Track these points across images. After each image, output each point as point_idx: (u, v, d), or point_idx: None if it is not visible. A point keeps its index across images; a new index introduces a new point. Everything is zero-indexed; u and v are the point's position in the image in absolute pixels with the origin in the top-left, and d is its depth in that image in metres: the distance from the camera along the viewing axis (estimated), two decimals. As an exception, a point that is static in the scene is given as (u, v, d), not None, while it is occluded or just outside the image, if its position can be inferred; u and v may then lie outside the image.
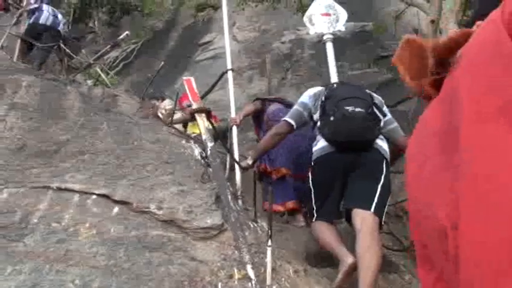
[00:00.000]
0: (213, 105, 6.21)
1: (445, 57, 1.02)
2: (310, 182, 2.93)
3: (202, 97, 4.35)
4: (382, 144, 2.87)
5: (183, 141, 3.34)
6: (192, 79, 4.14)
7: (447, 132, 0.93)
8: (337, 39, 4.50)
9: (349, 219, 2.73)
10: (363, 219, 2.59)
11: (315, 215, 2.84)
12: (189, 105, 4.44)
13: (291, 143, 3.95)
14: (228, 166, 3.98)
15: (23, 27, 7.41)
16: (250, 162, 3.27)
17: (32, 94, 3.16)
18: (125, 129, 3.19)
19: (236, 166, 3.64)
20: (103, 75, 7.69)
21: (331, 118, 2.81)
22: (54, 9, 7.53)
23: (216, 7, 12.39)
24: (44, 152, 2.80)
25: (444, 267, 0.93)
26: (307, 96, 3.19)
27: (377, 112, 2.89)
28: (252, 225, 2.86)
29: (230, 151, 3.85)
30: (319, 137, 2.93)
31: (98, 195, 2.62)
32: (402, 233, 3.93)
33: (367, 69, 9.18)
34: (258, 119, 4.59)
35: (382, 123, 2.93)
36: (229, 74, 4.31)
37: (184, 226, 2.58)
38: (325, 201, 2.84)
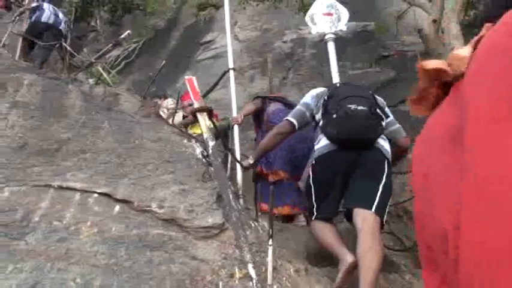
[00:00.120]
0: (215, 104, 6.21)
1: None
2: (311, 180, 2.92)
3: (203, 96, 4.35)
4: (383, 143, 2.86)
5: (185, 140, 3.33)
6: (194, 78, 4.14)
7: (454, 135, 0.93)
8: (338, 39, 4.49)
9: (350, 219, 2.72)
10: (364, 218, 2.58)
11: (315, 214, 2.84)
12: (191, 104, 4.44)
13: (289, 146, 3.97)
14: (229, 165, 3.99)
15: (25, 26, 7.41)
16: (251, 161, 3.27)
17: (34, 92, 3.16)
18: (126, 128, 3.19)
19: (237, 165, 3.64)
20: (105, 74, 7.70)
21: (334, 116, 2.80)
22: (55, 7, 7.53)
23: (218, 6, 12.40)
24: (46, 150, 2.80)
25: (446, 268, 0.93)
26: (310, 96, 3.19)
27: (379, 112, 2.89)
28: (253, 225, 2.86)
29: (231, 150, 3.86)
30: (321, 135, 2.92)
31: (99, 194, 2.62)
32: (403, 233, 3.92)
33: (368, 69, 9.17)
34: (258, 118, 4.60)
35: (384, 124, 2.93)
36: (231, 73, 4.31)
37: (185, 225, 2.58)
38: (325, 200, 2.83)
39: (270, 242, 2.39)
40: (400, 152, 3.11)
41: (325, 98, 2.97)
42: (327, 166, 2.84)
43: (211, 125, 3.70)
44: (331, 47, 4.29)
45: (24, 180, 2.57)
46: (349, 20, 4.50)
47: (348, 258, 2.49)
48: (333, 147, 2.82)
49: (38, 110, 3.04)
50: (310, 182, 2.91)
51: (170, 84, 9.42)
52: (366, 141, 2.81)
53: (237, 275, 2.38)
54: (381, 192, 2.69)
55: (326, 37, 4.34)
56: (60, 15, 7.45)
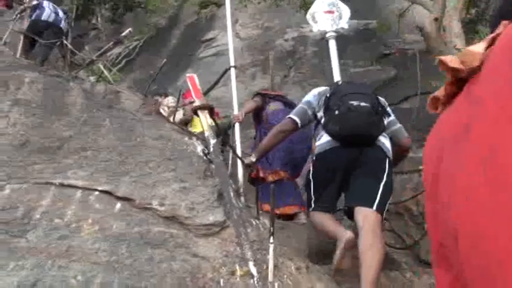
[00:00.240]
0: (216, 102, 6.21)
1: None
2: (311, 174, 2.94)
3: (204, 94, 4.35)
4: (385, 141, 2.87)
5: (186, 138, 3.33)
6: (195, 76, 4.14)
7: (466, 132, 0.92)
8: (340, 37, 4.49)
9: (351, 217, 2.73)
10: (365, 217, 2.59)
11: (313, 205, 2.88)
12: (192, 102, 4.44)
13: (287, 148, 4.00)
14: (230, 163, 3.99)
15: (26, 24, 7.42)
16: (253, 159, 3.27)
17: (35, 90, 3.16)
18: (127, 125, 3.19)
19: (238, 163, 3.65)
20: (106, 72, 7.71)
21: (336, 112, 2.80)
22: (55, 6, 7.54)
23: (219, 4, 12.37)
24: (47, 148, 2.81)
25: (458, 266, 0.92)
26: (312, 95, 3.19)
27: (381, 109, 2.89)
28: (254, 222, 2.86)
29: (233, 148, 3.86)
30: (322, 132, 2.92)
31: (101, 191, 2.62)
32: (404, 231, 3.93)
33: (370, 67, 9.16)
34: (257, 116, 4.61)
35: (386, 123, 2.93)
36: (232, 71, 4.32)
37: (187, 223, 2.59)
38: (323, 194, 2.87)
39: (271, 240, 2.39)
40: (401, 152, 3.11)
41: (327, 95, 2.98)
42: (328, 162, 2.85)
43: (213, 123, 3.70)
44: (332, 45, 4.29)
45: (26, 177, 2.57)
46: (351, 18, 4.51)
47: (345, 234, 2.54)
48: (334, 144, 2.82)
49: (40, 108, 3.04)
50: (310, 177, 2.94)
51: (171, 82, 9.41)
52: (368, 138, 2.81)
53: (238, 273, 2.38)
54: (382, 191, 2.70)
55: (327, 35, 4.34)
56: (60, 13, 7.46)
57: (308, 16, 4.51)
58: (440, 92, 1.11)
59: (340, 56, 4.43)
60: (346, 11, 4.43)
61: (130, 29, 8.49)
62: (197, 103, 3.89)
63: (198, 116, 3.83)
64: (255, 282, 2.33)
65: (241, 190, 3.45)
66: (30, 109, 3.00)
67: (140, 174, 2.81)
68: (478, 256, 0.83)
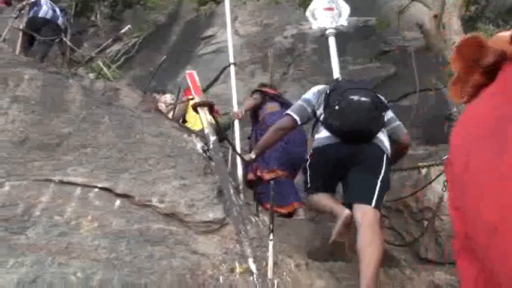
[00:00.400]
0: (215, 99, 6.20)
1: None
2: (307, 164, 2.98)
3: (204, 91, 4.35)
4: (383, 138, 2.87)
5: (185, 135, 3.33)
6: (195, 73, 4.13)
7: (499, 127, 0.90)
8: (339, 34, 4.49)
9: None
10: (364, 213, 2.60)
11: (310, 187, 2.96)
12: (190, 99, 4.44)
13: (283, 148, 4.02)
14: (229, 160, 4.00)
15: (24, 21, 7.41)
16: (253, 156, 3.27)
17: (34, 87, 3.15)
18: (127, 122, 3.19)
19: (238, 160, 3.64)
20: (105, 69, 7.69)
21: (336, 108, 2.80)
22: (52, 3, 7.53)
23: (219, 1, 12.34)
24: (46, 145, 2.80)
25: (486, 261, 0.91)
26: (312, 93, 3.19)
27: (381, 104, 2.90)
28: (253, 219, 2.87)
29: (232, 145, 3.86)
30: (321, 127, 2.93)
31: (100, 188, 2.62)
32: (403, 228, 3.94)
33: (369, 64, 9.15)
34: (254, 113, 4.62)
35: (385, 120, 2.93)
36: (232, 68, 4.31)
37: (186, 220, 2.59)
38: (318, 180, 2.94)
39: (271, 237, 2.39)
40: (400, 149, 3.11)
41: (327, 92, 2.98)
42: (326, 156, 2.87)
43: (212, 120, 3.70)
44: (332, 42, 4.29)
45: (25, 174, 2.57)
46: (350, 15, 4.50)
47: (343, 211, 2.59)
48: (334, 140, 2.82)
49: (39, 105, 3.04)
50: (307, 166, 2.97)
51: (171, 79, 9.40)
52: (367, 134, 2.81)
53: (238, 270, 2.38)
54: (380, 188, 2.71)
55: (327, 32, 4.34)
56: (57, 10, 7.45)
57: (308, 13, 4.51)
58: (460, 81, 1.08)
59: (340, 53, 4.43)
60: (345, 8, 4.43)
61: (129, 26, 8.49)
62: (197, 100, 3.88)
63: (197, 113, 3.83)
64: (255, 279, 2.34)
65: (241, 187, 3.45)
66: (29, 106, 3.00)
67: (140, 171, 2.81)
68: None
